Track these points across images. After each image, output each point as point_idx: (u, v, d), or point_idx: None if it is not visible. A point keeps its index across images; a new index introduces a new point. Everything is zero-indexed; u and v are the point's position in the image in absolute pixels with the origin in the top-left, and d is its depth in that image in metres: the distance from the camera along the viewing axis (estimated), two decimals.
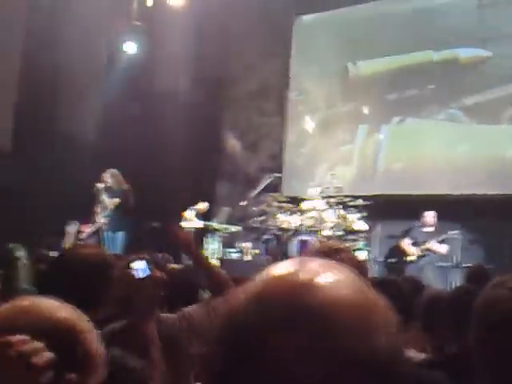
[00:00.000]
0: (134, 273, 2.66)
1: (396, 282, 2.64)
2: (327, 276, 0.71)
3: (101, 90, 11.65)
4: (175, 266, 5.00)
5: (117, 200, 9.80)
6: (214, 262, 10.17)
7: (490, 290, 1.55)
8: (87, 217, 10.14)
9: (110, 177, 9.84)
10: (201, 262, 3.15)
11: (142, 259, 2.72)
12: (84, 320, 1.28)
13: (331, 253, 1.92)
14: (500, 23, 10.33)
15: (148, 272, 2.68)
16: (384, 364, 0.66)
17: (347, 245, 2.22)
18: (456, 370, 2.52)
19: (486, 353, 1.50)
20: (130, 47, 11.81)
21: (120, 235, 9.86)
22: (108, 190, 9.87)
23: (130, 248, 9.40)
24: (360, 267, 1.86)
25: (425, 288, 5.04)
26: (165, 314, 3.00)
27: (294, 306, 0.68)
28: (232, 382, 0.68)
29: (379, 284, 2.58)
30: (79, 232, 10.16)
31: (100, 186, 9.83)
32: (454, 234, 9.55)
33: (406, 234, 10.02)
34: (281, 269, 0.74)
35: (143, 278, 2.66)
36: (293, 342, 0.66)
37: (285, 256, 9.85)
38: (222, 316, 0.74)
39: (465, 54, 10.75)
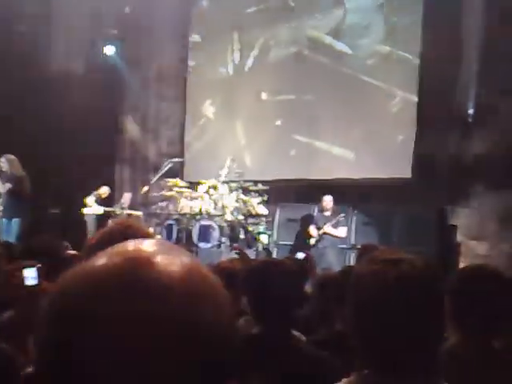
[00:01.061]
0: (25, 279, 2.64)
1: (281, 263, 2.78)
2: (162, 252, 0.71)
3: None
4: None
5: (9, 185, 9.43)
6: None
7: (363, 264, 1.62)
8: None
9: (4, 161, 9.47)
10: None
11: (33, 267, 2.70)
12: None
13: (123, 229, 1.88)
14: None
15: (36, 281, 2.66)
16: (211, 338, 0.68)
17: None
18: (341, 347, 2.68)
19: (354, 326, 1.57)
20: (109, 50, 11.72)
21: (15, 222, 9.53)
22: (2, 174, 9.51)
23: (27, 235, 9.19)
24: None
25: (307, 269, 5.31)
26: None
27: (128, 279, 0.67)
28: (64, 355, 0.66)
29: (262, 266, 2.71)
30: None
31: None
32: (342, 216, 9.87)
33: (306, 218, 10.30)
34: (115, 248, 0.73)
35: (31, 286, 2.64)
36: (123, 309, 0.66)
37: (187, 241, 9.95)
38: (49, 294, 0.72)
39: None
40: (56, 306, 0.69)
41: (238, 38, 12.41)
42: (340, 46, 11.29)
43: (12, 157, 9.54)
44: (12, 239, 8.70)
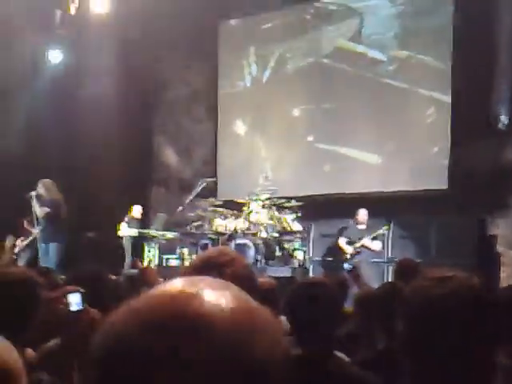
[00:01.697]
0: (69, 304, 2.64)
1: (323, 283, 2.75)
2: (209, 289, 0.71)
3: (26, 100, 11.40)
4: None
5: (46, 209, 9.53)
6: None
7: (414, 282, 1.65)
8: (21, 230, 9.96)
9: (41, 186, 9.59)
10: None
11: (77, 292, 2.71)
12: (16, 360, 1.25)
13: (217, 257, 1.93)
14: None
15: (81, 306, 2.67)
16: (265, 373, 0.67)
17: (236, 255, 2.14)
18: (386, 366, 2.64)
19: (407, 343, 1.58)
20: (55, 56, 11.64)
21: (53, 247, 9.62)
22: (39, 198, 9.58)
23: (65, 260, 9.29)
24: (246, 278, 1.89)
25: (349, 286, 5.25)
26: None
27: (174, 316, 0.67)
28: None
29: (305, 287, 2.69)
30: (14, 246, 9.98)
31: (32, 193, 9.52)
32: (384, 229, 9.81)
33: (340, 232, 10.25)
34: (165, 285, 0.73)
35: (76, 312, 2.65)
36: (173, 354, 0.65)
37: None
38: (99, 331, 0.71)
39: None
40: (106, 344, 0.69)
41: (255, 51, 12.49)
42: (372, 53, 11.25)
43: (48, 181, 9.67)
44: (51, 264, 8.79)
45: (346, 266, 9.50)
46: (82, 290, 2.70)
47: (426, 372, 1.54)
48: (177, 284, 0.72)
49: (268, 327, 0.71)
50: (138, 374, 0.66)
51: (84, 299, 2.68)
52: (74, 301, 2.65)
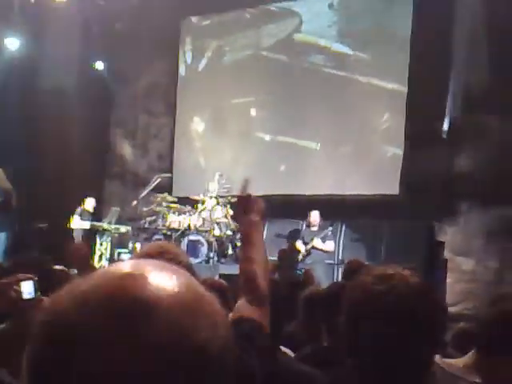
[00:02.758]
0: (22, 293, 2.64)
1: (273, 281, 2.80)
2: (155, 271, 0.70)
3: None
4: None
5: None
6: (104, 263, 10.11)
7: (357, 278, 1.64)
8: None
9: None
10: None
11: (30, 280, 2.70)
12: None
13: (157, 254, 1.92)
14: None
15: (33, 295, 2.66)
16: (210, 360, 0.67)
17: (174, 245, 2.16)
18: (330, 361, 2.70)
19: (347, 339, 1.59)
20: (12, 43, 11.44)
21: (2, 236, 9.39)
22: None
23: (13, 249, 9.12)
24: (186, 268, 1.92)
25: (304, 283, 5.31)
26: None
27: (119, 296, 0.67)
28: (54, 377, 0.66)
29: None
30: None
31: None
32: (330, 229, 9.89)
33: (293, 233, 10.33)
34: (112, 266, 0.73)
35: (28, 300, 2.64)
36: (110, 337, 0.65)
37: None
38: (41, 313, 0.71)
39: None
40: (48, 327, 0.68)
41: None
42: (337, 47, 11.39)
43: None
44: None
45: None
46: (35, 278, 2.69)
47: (365, 369, 1.55)
48: (124, 266, 0.72)
49: (213, 313, 0.71)
50: (77, 353, 0.65)
51: (37, 287, 2.67)
52: (27, 289, 2.64)
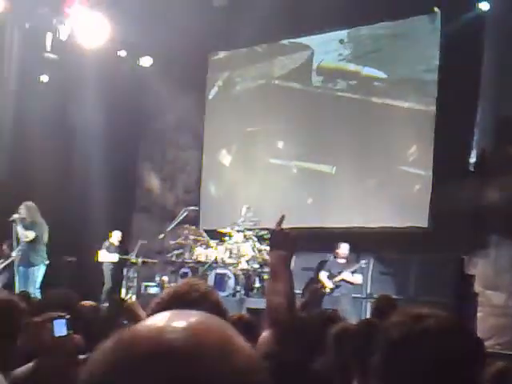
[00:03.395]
0: (54, 330, 2.65)
1: (302, 317, 2.78)
2: (190, 321, 0.73)
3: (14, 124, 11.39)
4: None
5: (32, 232, 9.37)
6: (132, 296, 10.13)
7: (391, 317, 1.63)
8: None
9: (23, 208, 9.44)
10: None
11: (62, 318, 2.71)
12: None
13: (186, 293, 1.91)
14: None
15: (65, 333, 2.67)
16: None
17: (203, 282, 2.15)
18: None
19: (381, 378, 1.57)
20: (44, 79, 11.70)
21: (35, 270, 9.43)
22: (22, 221, 9.38)
23: (45, 284, 9.19)
24: (215, 305, 1.90)
25: (334, 320, 5.24)
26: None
27: (156, 349, 0.69)
28: None
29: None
30: None
31: (16, 216, 9.36)
32: (363, 263, 9.84)
33: (320, 265, 10.26)
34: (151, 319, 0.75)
35: (61, 337, 2.66)
36: None
37: None
38: (88, 363, 0.73)
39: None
40: (95, 375, 0.71)
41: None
42: (369, 71, 11.43)
43: (31, 204, 9.55)
44: (33, 288, 8.71)
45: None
46: (67, 316, 2.70)
47: None
48: (163, 318, 0.74)
49: (245, 355, 0.73)
50: None
51: (69, 325, 2.68)
52: (59, 327, 2.66)
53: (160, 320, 0.74)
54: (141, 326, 0.74)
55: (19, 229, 9.38)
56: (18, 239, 9.44)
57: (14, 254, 9.64)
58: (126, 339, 0.72)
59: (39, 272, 9.39)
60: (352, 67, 11.52)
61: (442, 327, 1.55)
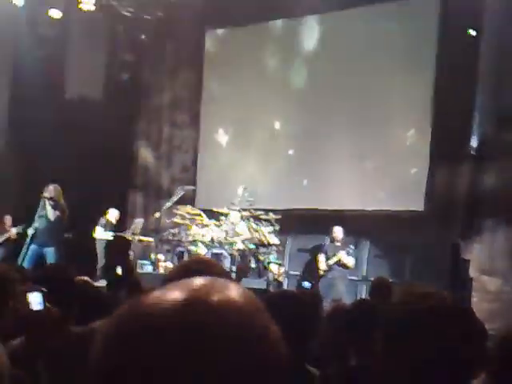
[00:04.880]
0: (30, 304, 2.63)
1: (296, 296, 2.77)
2: (218, 294, 0.72)
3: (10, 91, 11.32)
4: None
5: (57, 213, 9.52)
6: None
7: (394, 297, 1.67)
8: None
9: (52, 190, 9.54)
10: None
11: (38, 291, 2.68)
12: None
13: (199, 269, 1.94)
14: None
15: (42, 306, 2.64)
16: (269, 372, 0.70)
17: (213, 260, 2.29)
18: (361, 381, 2.66)
19: (388, 357, 1.57)
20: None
21: (50, 251, 9.46)
22: (53, 201, 9.51)
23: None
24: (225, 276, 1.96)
25: (321, 301, 5.25)
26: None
27: (185, 325, 0.68)
28: None
29: (279, 298, 2.72)
30: None
31: (46, 194, 9.48)
32: (351, 248, 9.84)
33: (317, 248, 10.28)
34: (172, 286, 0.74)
35: (37, 311, 2.63)
36: (185, 366, 0.67)
37: None
38: (101, 337, 0.72)
39: None
40: (113, 342, 0.70)
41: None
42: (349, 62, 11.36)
43: (58, 187, 9.62)
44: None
45: (305, 284, 9.59)
46: (43, 290, 2.67)
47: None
48: (185, 287, 0.73)
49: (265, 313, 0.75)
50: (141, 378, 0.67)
51: (45, 299, 2.65)
52: (35, 300, 2.63)
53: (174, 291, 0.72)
54: (156, 297, 0.72)
55: (49, 208, 9.49)
56: (39, 217, 9.46)
57: (14, 230, 9.92)
58: (145, 308, 0.71)
59: (51, 254, 9.44)
60: (350, 49, 11.44)
61: (447, 306, 1.56)
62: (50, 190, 9.51)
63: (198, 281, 0.74)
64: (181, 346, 0.67)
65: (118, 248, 10.21)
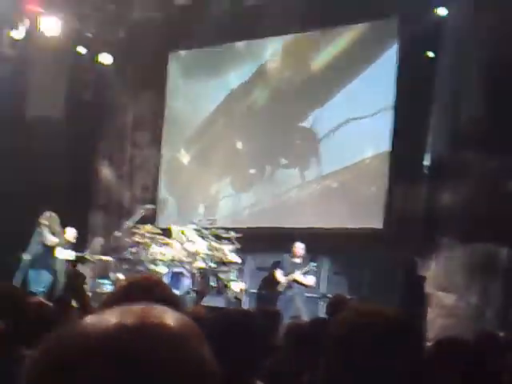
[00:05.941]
0: None
1: (250, 314, 2.81)
2: (154, 318, 0.74)
3: None
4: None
5: (57, 240, 10.00)
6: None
7: (343, 313, 1.66)
8: None
9: (50, 217, 10.00)
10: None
11: None
12: None
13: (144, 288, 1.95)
14: None
15: None
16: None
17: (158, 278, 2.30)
18: None
19: (330, 372, 1.58)
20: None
21: (45, 273, 9.89)
22: (49, 228, 9.98)
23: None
24: (173, 299, 1.98)
25: (280, 318, 5.31)
26: None
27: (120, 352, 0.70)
28: None
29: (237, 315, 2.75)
30: None
31: (45, 222, 9.93)
32: (313, 266, 9.94)
33: (275, 265, 10.34)
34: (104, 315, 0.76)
35: None
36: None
37: None
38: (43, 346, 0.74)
39: None
40: (49, 358, 0.72)
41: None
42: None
43: (54, 214, 10.09)
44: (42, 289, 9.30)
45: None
46: None
47: None
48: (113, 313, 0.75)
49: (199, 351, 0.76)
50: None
51: None
52: None
53: (110, 315, 0.75)
54: (90, 321, 0.75)
55: (47, 234, 9.94)
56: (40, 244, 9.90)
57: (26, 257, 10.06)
58: (78, 331, 0.73)
59: (47, 275, 9.87)
60: (308, 67, 11.61)
61: (386, 323, 1.57)
62: (47, 218, 9.98)
63: (136, 306, 0.77)
64: (114, 369, 0.69)
65: (73, 285, 10.19)
